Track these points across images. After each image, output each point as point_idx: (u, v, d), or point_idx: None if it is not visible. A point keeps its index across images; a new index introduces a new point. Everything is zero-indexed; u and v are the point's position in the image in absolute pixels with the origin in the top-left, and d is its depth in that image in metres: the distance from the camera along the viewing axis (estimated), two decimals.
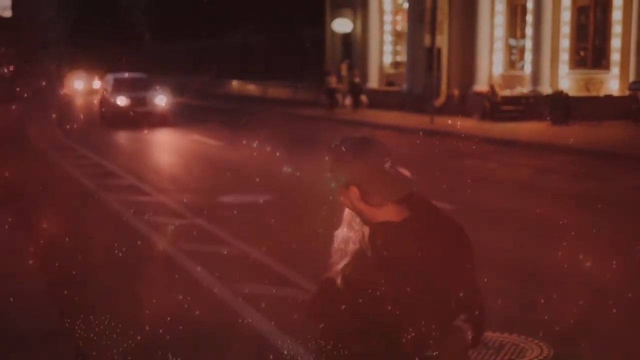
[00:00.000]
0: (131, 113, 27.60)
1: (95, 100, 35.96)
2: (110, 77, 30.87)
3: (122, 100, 28.25)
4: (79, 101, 44.23)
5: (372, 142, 2.55)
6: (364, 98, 31.09)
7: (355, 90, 31.78)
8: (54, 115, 31.22)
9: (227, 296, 7.54)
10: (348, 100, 32.01)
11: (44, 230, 9.89)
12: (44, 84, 54.04)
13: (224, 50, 51.32)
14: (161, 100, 28.51)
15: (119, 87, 29.16)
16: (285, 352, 6.10)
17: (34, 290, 7.57)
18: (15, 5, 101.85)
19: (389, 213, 2.51)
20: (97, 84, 49.98)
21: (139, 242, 9.68)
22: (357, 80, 31.97)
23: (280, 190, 13.33)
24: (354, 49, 36.40)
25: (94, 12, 67.62)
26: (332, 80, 31.82)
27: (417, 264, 2.45)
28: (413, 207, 2.53)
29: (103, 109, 29.66)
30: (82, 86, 51.93)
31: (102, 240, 9.68)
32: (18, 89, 46.62)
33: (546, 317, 6.56)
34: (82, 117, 33.06)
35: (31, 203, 12.52)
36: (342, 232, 2.63)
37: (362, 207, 2.53)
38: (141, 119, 26.74)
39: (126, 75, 32.30)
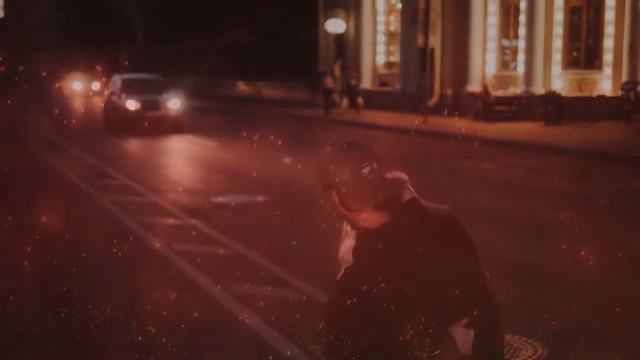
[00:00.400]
0: (142, 118, 25.02)
1: (98, 102, 34.86)
2: (117, 79, 27.96)
3: (132, 104, 25.64)
4: (79, 103, 43.77)
5: (353, 146, 2.53)
6: (360, 100, 31.14)
7: (352, 91, 31.83)
8: (54, 119, 29.63)
9: (222, 296, 7.55)
10: (345, 101, 32.05)
11: (38, 233, 9.88)
12: (39, 85, 53.66)
13: (217, 50, 51.26)
14: (175, 103, 25.89)
15: (128, 89, 26.43)
16: (281, 352, 6.11)
17: (29, 291, 7.57)
18: (7, 5, 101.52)
19: (369, 219, 2.53)
20: (95, 85, 49.39)
21: (134, 242, 9.68)
22: (353, 82, 32.02)
23: (278, 191, 13.34)
24: (347, 50, 36.45)
25: (88, 12, 67.42)
26: (329, 81, 31.83)
27: (399, 268, 2.46)
28: (395, 212, 2.53)
29: (110, 114, 27.04)
30: (81, 87, 51.27)
31: (96, 242, 9.68)
32: (16, 78, 46.04)
33: (542, 317, 6.59)
34: (85, 121, 31.26)
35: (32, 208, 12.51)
36: (346, 241, 2.65)
37: (343, 212, 2.55)
38: (153, 124, 24.50)
39: (135, 76, 29.32)
